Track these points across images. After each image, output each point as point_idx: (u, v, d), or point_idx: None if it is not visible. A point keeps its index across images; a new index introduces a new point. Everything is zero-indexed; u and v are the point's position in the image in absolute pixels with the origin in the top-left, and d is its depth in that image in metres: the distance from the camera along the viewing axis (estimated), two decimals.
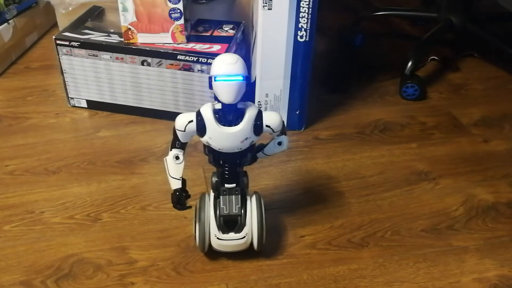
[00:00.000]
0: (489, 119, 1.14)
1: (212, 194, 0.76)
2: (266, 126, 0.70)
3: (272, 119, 0.71)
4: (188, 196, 0.75)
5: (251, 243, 0.75)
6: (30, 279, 0.75)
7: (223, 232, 0.74)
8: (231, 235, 0.74)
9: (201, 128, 0.69)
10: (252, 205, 0.75)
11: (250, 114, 0.68)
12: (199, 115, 0.69)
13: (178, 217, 0.85)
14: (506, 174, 0.97)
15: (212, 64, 0.67)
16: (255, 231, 0.74)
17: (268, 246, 0.78)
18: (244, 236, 0.74)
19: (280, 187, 0.93)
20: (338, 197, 0.91)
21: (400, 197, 0.91)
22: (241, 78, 0.65)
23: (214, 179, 0.74)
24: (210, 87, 0.66)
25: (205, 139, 0.70)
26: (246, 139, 0.69)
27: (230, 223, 0.74)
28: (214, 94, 0.67)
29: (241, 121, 0.68)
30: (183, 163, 0.74)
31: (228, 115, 0.68)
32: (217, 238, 0.74)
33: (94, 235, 0.82)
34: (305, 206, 0.88)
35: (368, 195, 0.91)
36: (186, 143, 0.73)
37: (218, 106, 0.69)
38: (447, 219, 0.86)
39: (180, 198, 0.74)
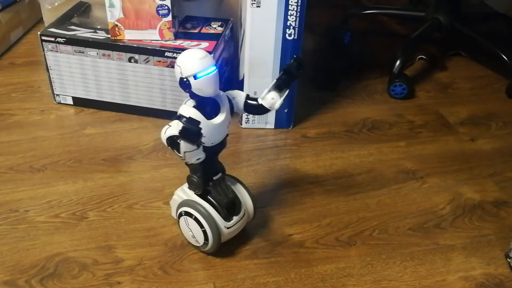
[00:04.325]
0: (476, 118, 1.15)
1: (201, 200, 0.74)
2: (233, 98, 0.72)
3: (236, 91, 0.73)
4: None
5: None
6: (14, 278, 0.73)
7: (229, 220, 0.75)
8: (235, 218, 0.76)
9: (199, 132, 0.63)
10: (232, 183, 0.78)
11: (222, 99, 0.70)
12: (191, 121, 0.64)
13: (165, 216, 0.84)
14: (493, 173, 0.97)
15: (183, 64, 0.65)
16: (248, 202, 0.78)
17: (256, 244, 0.78)
18: (244, 213, 0.77)
19: (268, 186, 0.92)
20: (326, 195, 0.91)
21: (387, 196, 0.91)
22: (215, 67, 0.66)
23: (198, 182, 0.73)
24: (188, 87, 0.65)
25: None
26: (229, 123, 0.71)
27: (231, 208, 0.76)
28: (191, 92, 0.66)
29: (220, 108, 0.69)
30: None
31: (207, 107, 0.69)
32: (227, 228, 0.75)
33: (80, 234, 0.81)
34: (293, 205, 0.88)
35: (356, 193, 0.91)
36: None
37: (193, 103, 0.68)
38: (434, 218, 0.87)
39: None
